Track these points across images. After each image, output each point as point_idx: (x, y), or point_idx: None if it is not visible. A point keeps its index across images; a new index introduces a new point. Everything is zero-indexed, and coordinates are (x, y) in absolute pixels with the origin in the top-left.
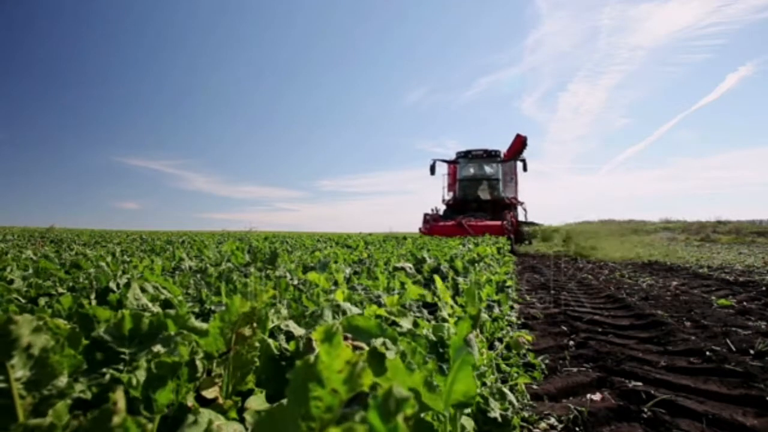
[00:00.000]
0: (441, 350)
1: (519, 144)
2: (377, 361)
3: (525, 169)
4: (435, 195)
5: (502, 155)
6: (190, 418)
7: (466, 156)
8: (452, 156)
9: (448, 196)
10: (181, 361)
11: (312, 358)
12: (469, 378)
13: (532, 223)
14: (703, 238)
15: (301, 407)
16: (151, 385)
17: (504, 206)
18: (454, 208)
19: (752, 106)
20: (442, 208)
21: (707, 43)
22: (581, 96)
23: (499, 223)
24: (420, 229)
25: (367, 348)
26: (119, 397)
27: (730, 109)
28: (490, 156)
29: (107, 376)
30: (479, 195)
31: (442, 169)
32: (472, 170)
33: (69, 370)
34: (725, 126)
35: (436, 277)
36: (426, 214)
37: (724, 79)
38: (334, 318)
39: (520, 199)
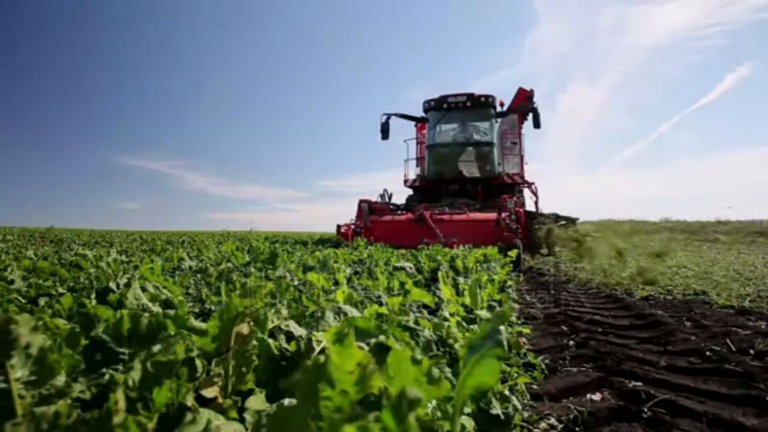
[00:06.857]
0: (443, 348)
1: (522, 101)
2: (380, 354)
3: (537, 124)
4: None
5: (498, 105)
6: (188, 417)
7: (440, 107)
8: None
9: (415, 174)
10: (176, 359)
11: (322, 358)
12: (495, 366)
13: (552, 217)
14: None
15: (311, 407)
16: (146, 384)
17: (502, 188)
18: (422, 192)
19: (751, 107)
20: (407, 192)
21: (707, 44)
22: (581, 96)
23: (491, 216)
24: (339, 228)
25: (366, 348)
26: (120, 397)
27: (729, 109)
28: (477, 104)
29: (106, 377)
30: (461, 170)
31: (406, 131)
32: (449, 130)
33: (68, 369)
34: (724, 126)
35: (441, 274)
36: (362, 202)
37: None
38: (335, 320)
39: (527, 178)
